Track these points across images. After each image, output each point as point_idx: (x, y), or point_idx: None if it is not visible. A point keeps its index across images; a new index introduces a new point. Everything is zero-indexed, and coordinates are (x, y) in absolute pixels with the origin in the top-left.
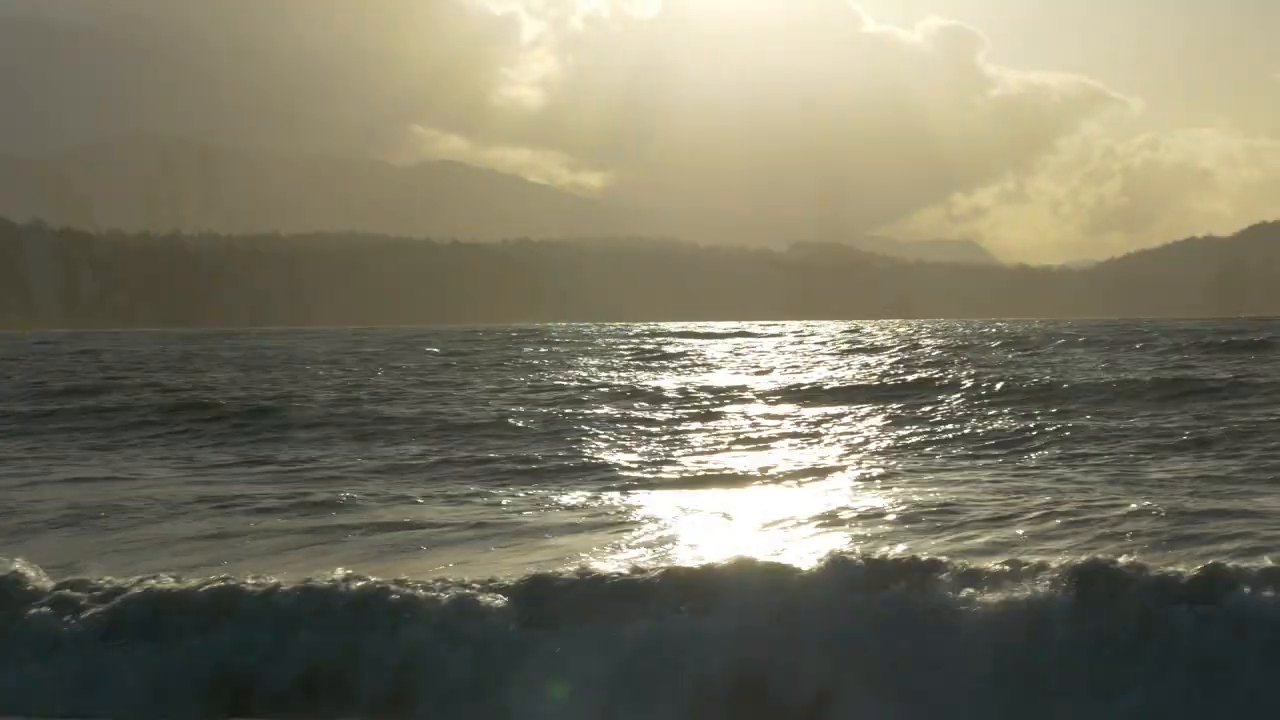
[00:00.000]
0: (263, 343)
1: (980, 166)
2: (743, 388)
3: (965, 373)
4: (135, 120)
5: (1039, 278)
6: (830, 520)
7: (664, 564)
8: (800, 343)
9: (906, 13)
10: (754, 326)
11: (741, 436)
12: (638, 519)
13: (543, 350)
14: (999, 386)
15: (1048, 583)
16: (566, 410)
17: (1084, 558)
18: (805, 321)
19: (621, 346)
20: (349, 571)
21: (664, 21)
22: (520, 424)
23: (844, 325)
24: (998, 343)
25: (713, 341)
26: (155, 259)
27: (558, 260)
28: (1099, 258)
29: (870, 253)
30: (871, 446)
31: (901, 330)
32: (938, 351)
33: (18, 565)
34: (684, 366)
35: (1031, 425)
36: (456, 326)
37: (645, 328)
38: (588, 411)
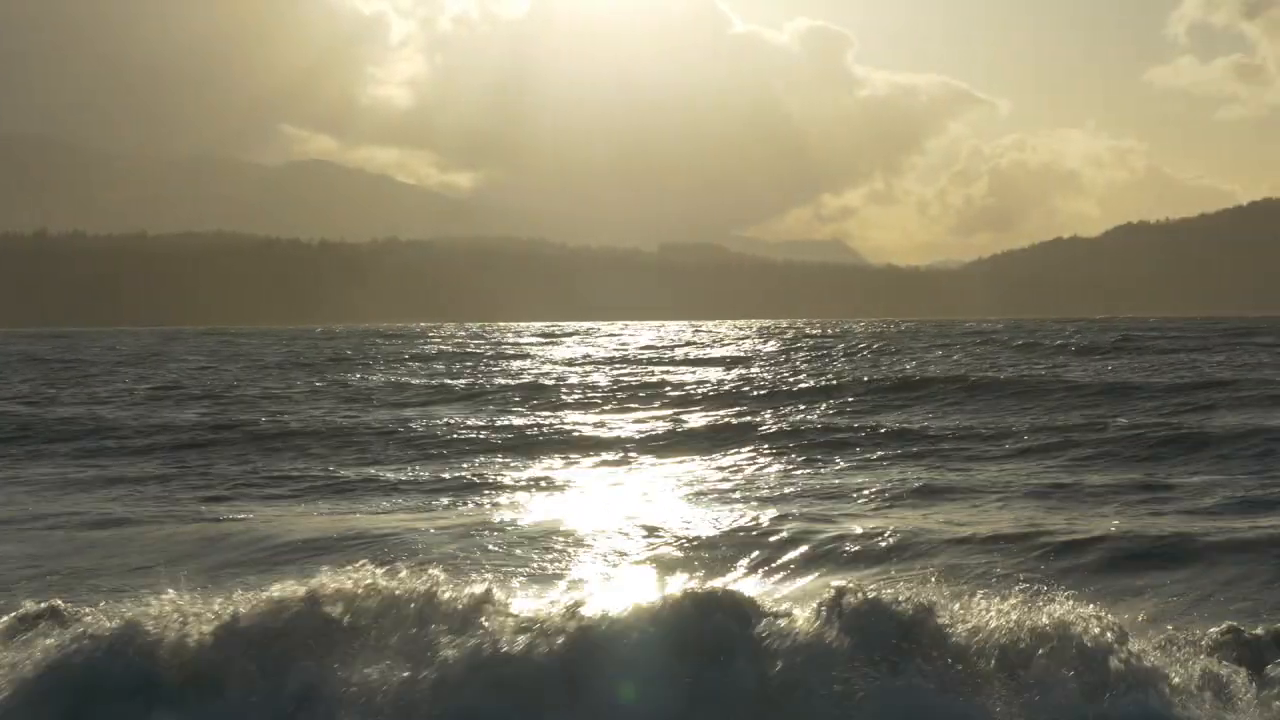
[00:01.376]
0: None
1: (849, 167)
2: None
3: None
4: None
5: (907, 278)
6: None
7: None
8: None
9: (775, 14)
10: (614, 325)
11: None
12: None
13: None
14: (724, 388)
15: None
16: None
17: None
18: (659, 322)
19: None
20: None
21: (532, 22)
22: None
23: (687, 324)
24: (797, 345)
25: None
26: (19, 259)
27: (426, 260)
28: (967, 258)
29: (740, 253)
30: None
31: (756, 329)
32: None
33: None
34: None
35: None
36: (310, 326)
37: (498, 326)
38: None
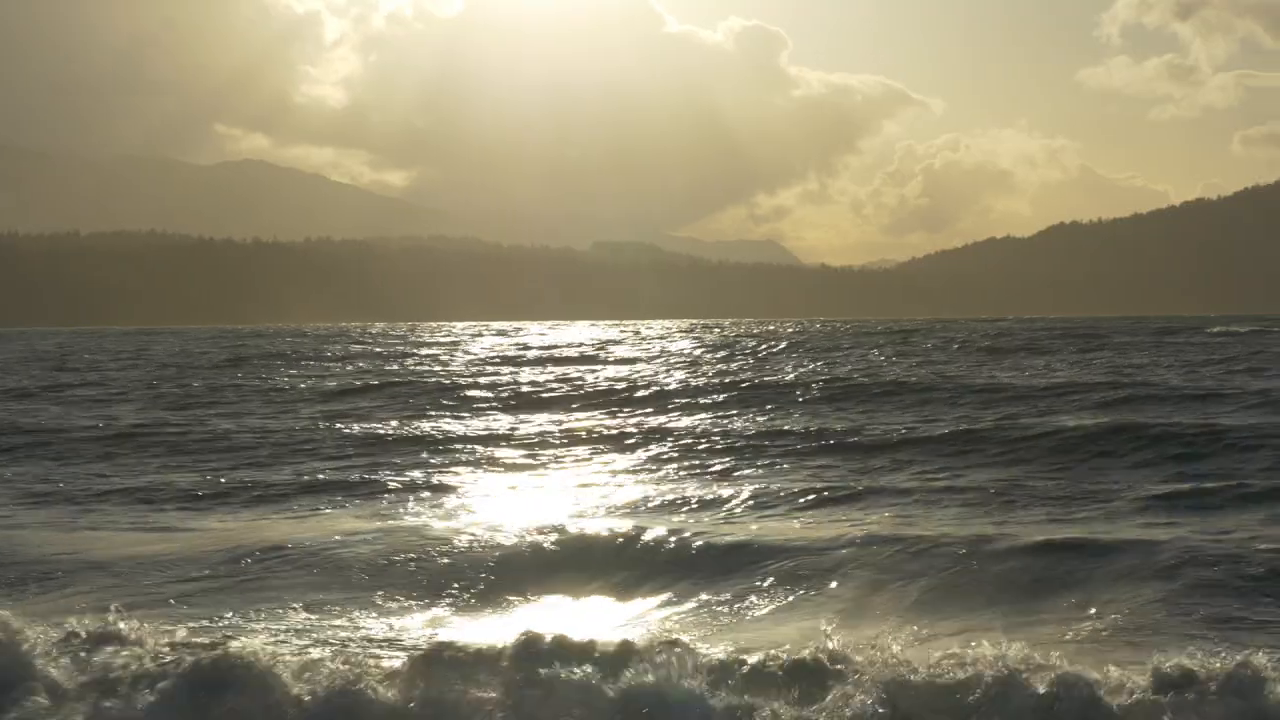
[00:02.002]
0: None
1: (783, 167)
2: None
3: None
4: None
5: (841, 278)
6: None
7: None
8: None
9: (708, 13)
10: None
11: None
12: None
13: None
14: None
15: None
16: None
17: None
18: (564, 322)
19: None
20: None
21: (466, 21)
22: None
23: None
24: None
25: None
26: None
27: (360, 260)
28: (900, 258)
29: (674, 252)
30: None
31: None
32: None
33: None
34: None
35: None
36: (243, 326)
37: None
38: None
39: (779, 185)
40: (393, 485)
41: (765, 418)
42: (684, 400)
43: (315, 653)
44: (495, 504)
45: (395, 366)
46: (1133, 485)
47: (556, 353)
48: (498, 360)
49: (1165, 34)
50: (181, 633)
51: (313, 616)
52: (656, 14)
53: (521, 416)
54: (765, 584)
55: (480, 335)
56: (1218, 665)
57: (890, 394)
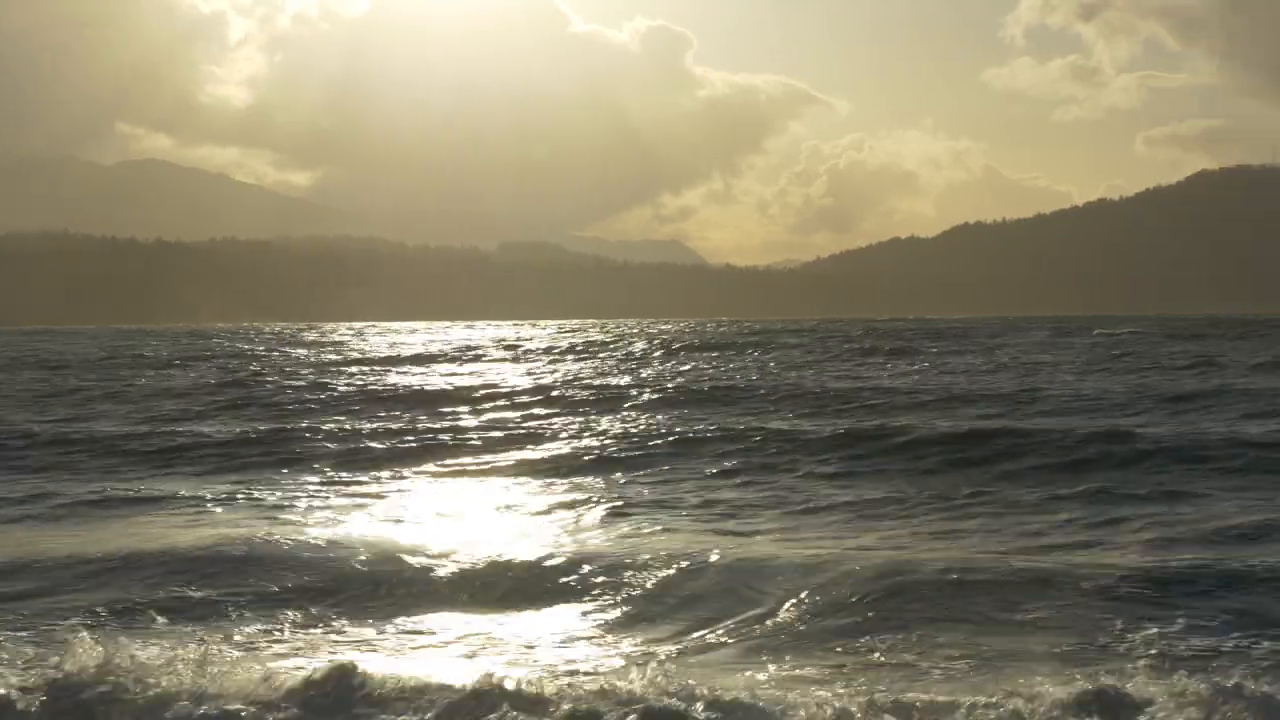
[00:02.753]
0: None
1: (689, 167)
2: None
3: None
4: None
5: (745, 278)
6: None
7: None
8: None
9: (613, 13)
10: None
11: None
12: None
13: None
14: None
15: None
16: None
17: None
18: (475, 322)
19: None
20: None
21: (372, 21)
22: None
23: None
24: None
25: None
26: None
27: (265, 260)
28: (805, 258)
29: (579, 252)
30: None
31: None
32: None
33: None
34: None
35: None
36: (146, 326)
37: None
38: None
39: (684, 185)
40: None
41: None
42: (500, 403)
43: None
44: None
45: (255, 368)
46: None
47: (410, 352)
48: (347, 362)
49: (1069, 35)
50: None
51: None
52: (562, 14)
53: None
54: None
55: (360, 335)
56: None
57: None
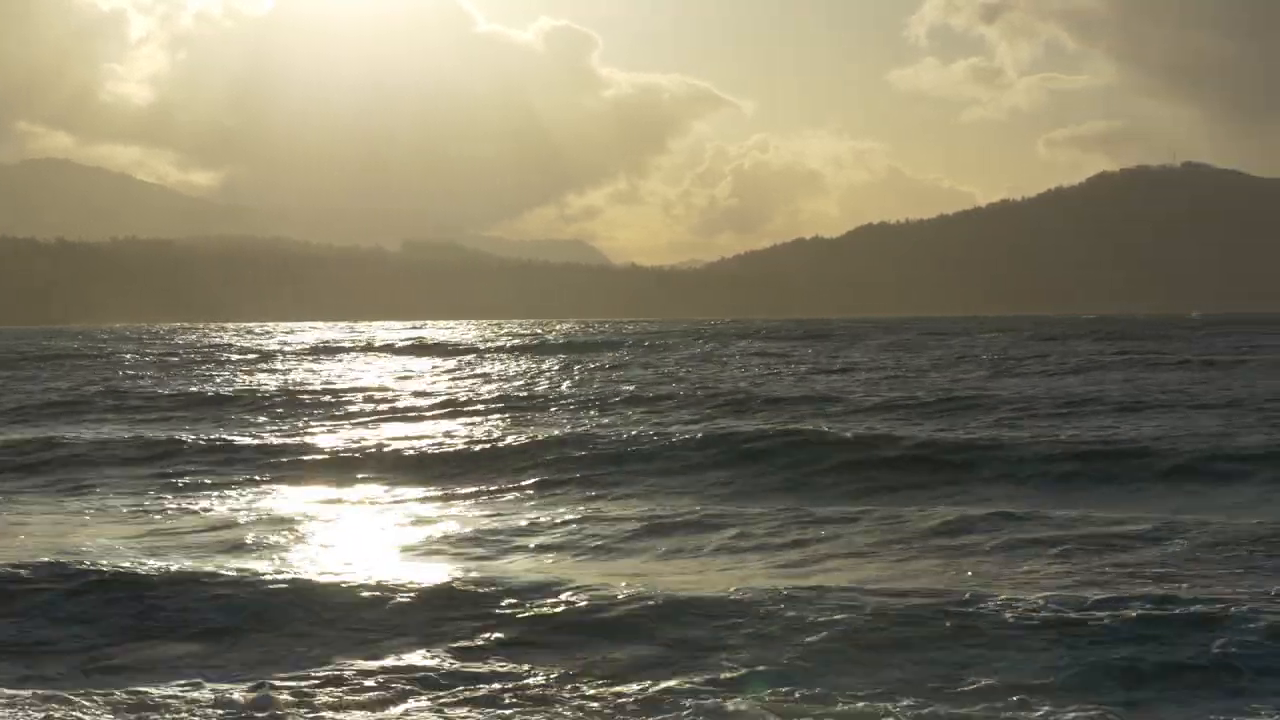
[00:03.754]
0: None
1: (593, 167)
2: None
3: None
4: None
5: (650, 278)
6: None
7: None
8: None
9: (518, 13)
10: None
11: None
12: None
13: None
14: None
15: None
16: None
17: None
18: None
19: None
20: None
21: (276, 20)
22: None
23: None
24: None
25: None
26: None
27: (168, 260)
28: (710, 258)
29: (484, 252)
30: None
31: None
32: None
33: None
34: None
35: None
36: (45, 326)
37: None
38: None
39: (589, 185)
40: None
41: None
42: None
43: None
44: None
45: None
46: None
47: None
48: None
49: (972, 37)
50: None
51: None
52: (466, 13)
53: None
54: None
55: (246, 334)
56: None
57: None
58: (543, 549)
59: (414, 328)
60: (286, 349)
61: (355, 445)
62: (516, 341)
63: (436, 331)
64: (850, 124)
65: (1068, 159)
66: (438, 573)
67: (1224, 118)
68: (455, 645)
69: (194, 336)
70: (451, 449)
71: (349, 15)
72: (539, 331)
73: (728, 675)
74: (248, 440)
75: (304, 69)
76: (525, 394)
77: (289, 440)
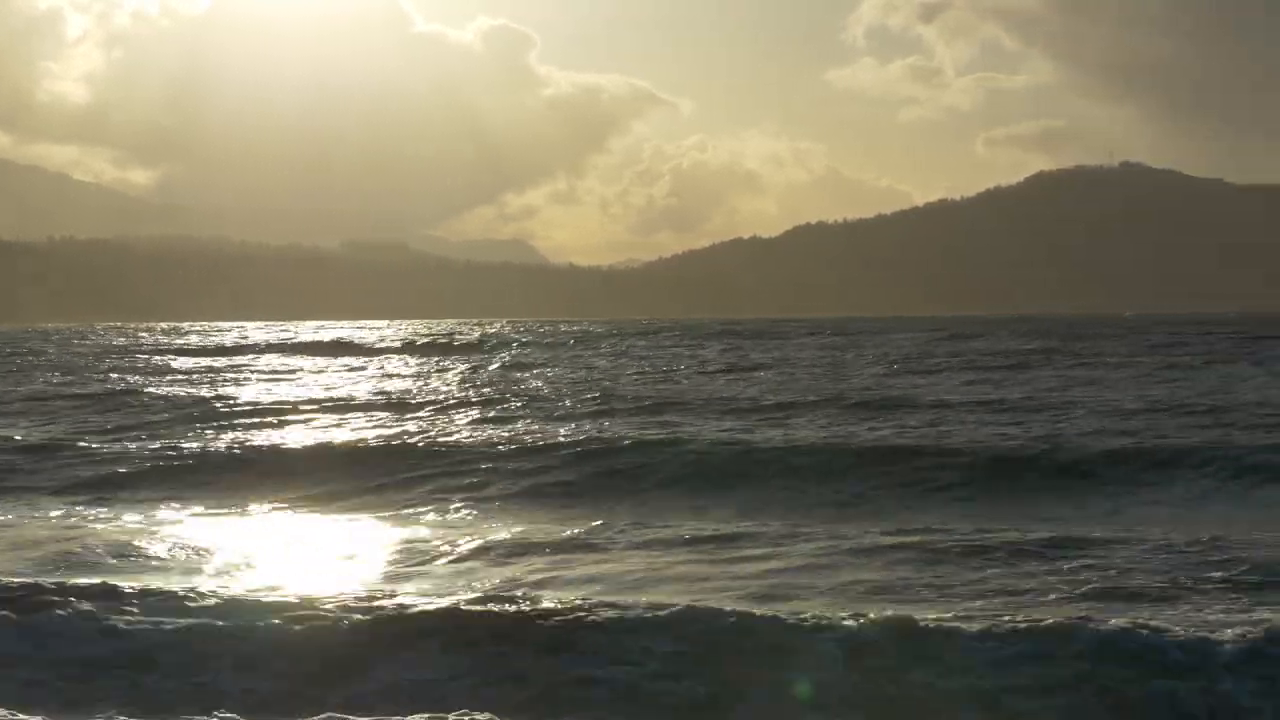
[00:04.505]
0: None
1: (532, 166)
2: None
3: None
4: None
5: (587, 277)
6: None
7: None
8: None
9: (456, 12)
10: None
11: None
12: None
13: None
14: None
15: None
16: None
17: None
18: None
19: None
20: None
21: (213, 19)
22: None
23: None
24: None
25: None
26: None
27: (105, 259)
28: (648, 257)
29: (424, 252)
30: None
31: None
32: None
33: None
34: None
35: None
36: None
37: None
38: None
39: (528, 185)
40: None
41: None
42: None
43: None
44: None
45: None
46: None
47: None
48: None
49: (910, 36)
50: None
51: None
52: (404, 13)
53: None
54: None
55: (175, 334)
56: None
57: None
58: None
59: (321, 327)
60: (189, 348)
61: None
62: (423, 341)
63: (346, 331)
64: (788, 124)
65: (1006, 158)
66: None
67: (1161, 117)
68: None
69: (109, 338)
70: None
71: (286, 14)
72: (461, 331)
73: None
74: None
75: (242, 68)
76: (382, 396)
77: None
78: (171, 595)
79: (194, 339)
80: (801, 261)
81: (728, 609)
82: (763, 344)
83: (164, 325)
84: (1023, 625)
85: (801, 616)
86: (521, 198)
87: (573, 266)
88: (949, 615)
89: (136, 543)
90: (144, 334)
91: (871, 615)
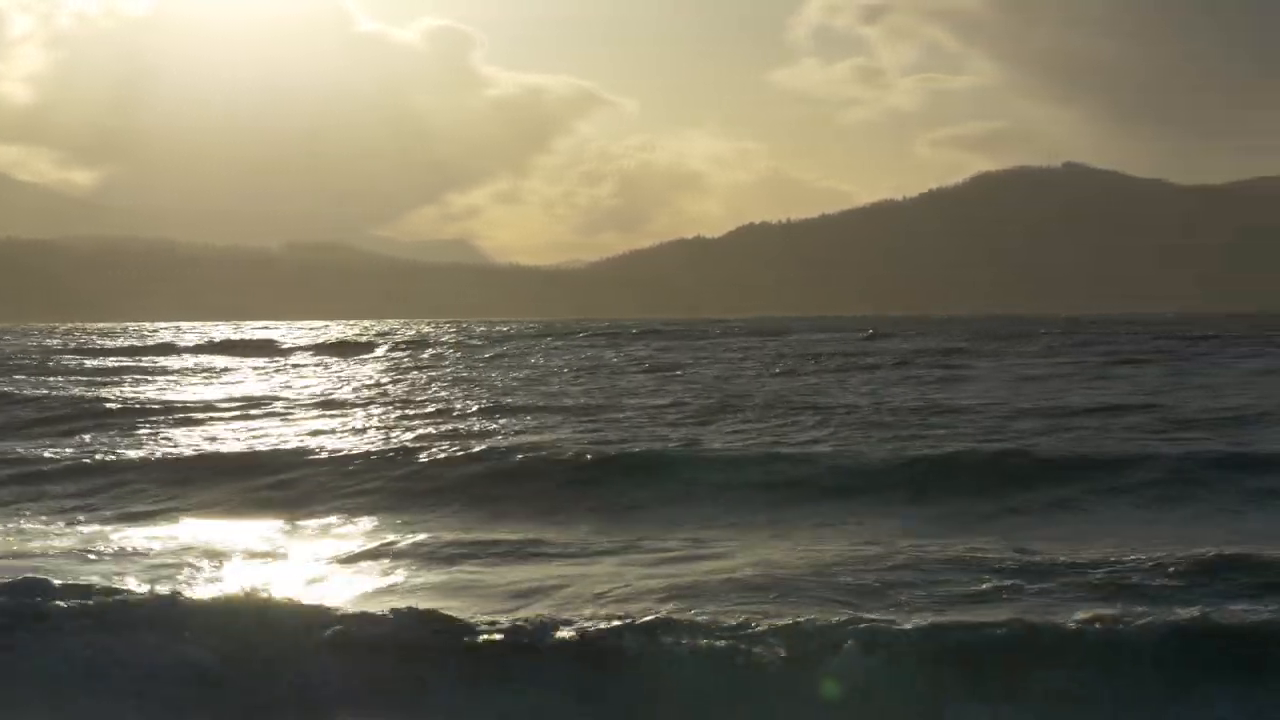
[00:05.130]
0: None
1: (477, 167)
2: None
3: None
4: None
5: (531, 277)
6: None
7: None
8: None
9: (400, 12)
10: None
11: None
12: None
13: None
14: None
15: None
16: None
17: None
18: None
19: None
20: None
21: (157, 19)
22: None
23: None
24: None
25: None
26: None
27: (47, 260)
28: (592, 258)
29: (368, 252)
30: None
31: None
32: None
33: None
34: None
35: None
36: None
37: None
38: None
39: (472, 185)
40: None
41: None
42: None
43: None
44: None
45: None
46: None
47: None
48: None
49: (853, 37)
50: None
51: None
52: (347, 13)
53: None
54: None
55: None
56: None
57: None
58: None
59: (240, 327)
60: (105, 349)
61: None
62: (330, 341)
63: (263, 331)
64: (733, 124)
65: (949, 159)
66: None
67: (1104, 118)
68: None
69: (33, 339)
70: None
71: (229, 15)
72: (388, 330)
73: None
74: None
75: (184, 69)
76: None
77: None
78: None
79: (118, 340)
80: (744, 261)
81: None
82: (667, 345)
83: (99, 326)
84: None
85: None
86: (465, 198)
87: (515, 266)
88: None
89: None
90: (74, 335)
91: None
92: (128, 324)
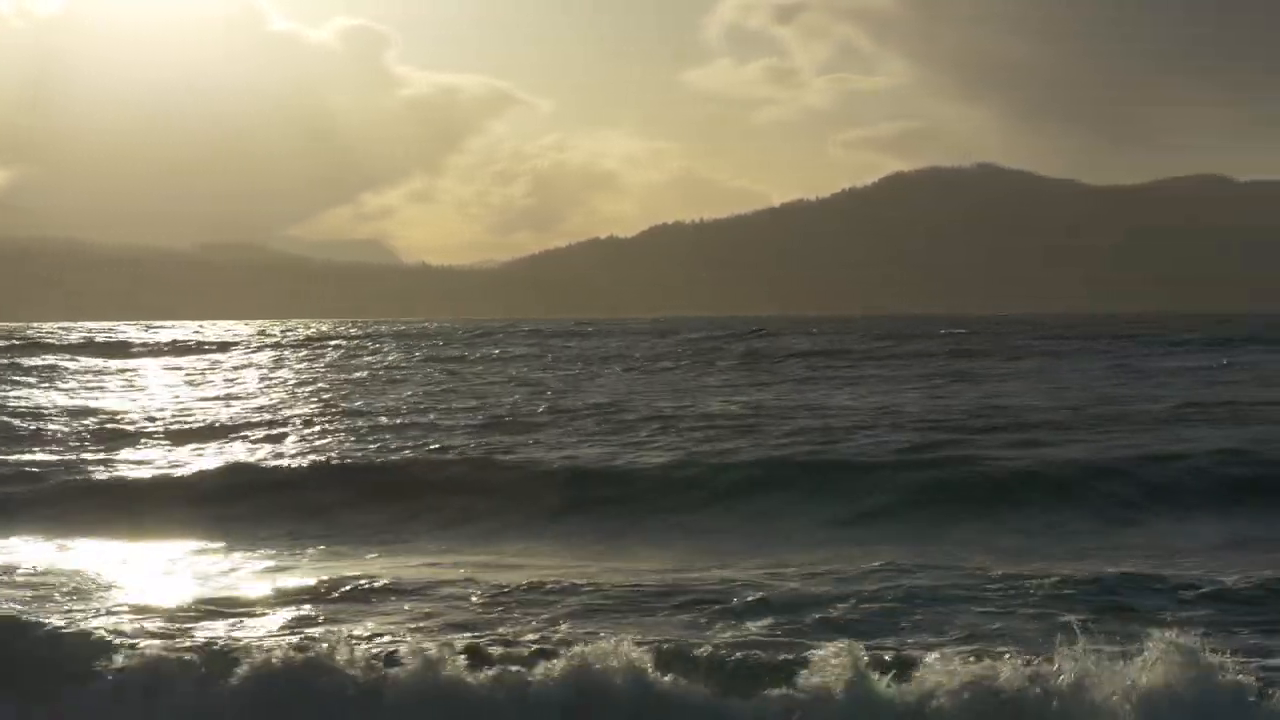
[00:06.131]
0: None
1: (390, 166)
2: None
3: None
4: None
5: (442, 277)
6: None
7: None
8: None
9: (313, 11)
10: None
11: None
12: None
13: None
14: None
15: None
16: None
17: None
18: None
19: None
20: None
21: (69, 19)
22: None
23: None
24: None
25: None
26: None
27: None
28: (505, 257)
29: (280, 252)
30: None
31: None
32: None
33: None
34: None
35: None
36: None
37: None
38: None
39: (385, 185)
40: None
41: None
42: None
43: None
44: None
45: None
46: None
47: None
48: None
49: (766, 37)
50: None
51: None
52: (260, 11)
53: None
54: None
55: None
56: None
57: None
58: None
59: (112, 328)
60: None
61: None
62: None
63: (137, 332)
64: (646, 124)
65: (863, 159)
66: None
67: (1014, 117)
68: None
69: None
70: None
71: (140, 14)
72: (286, 330)
73: None
74: None
75: (96, 69)
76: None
77: None
78: None
79: None
80: (657, 261)
81: None
82: (544, 346)
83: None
84: None
85: None
86: (379, 198)
87: (425, 266)
88: None
89: None
90: None
91: None
92: (31, 325)
